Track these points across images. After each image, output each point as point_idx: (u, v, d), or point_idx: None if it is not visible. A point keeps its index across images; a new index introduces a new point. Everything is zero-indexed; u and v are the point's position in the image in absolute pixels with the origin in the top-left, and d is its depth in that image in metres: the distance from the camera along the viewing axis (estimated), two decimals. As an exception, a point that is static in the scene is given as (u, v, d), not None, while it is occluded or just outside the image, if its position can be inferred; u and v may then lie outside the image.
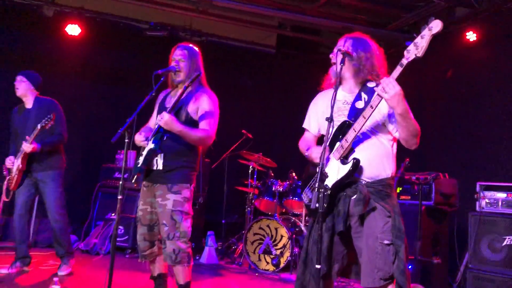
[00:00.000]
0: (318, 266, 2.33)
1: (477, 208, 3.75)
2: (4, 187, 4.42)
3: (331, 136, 2.60)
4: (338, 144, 2.56)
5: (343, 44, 2.69)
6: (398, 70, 2.34)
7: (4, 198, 4.43)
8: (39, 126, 4.00)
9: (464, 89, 5.63)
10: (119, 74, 6.92)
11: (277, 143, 7.38)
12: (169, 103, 3.34)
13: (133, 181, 3.29)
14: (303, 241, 2.74)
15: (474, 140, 5.35)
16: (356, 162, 2.48)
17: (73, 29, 6.54)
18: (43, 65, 6.61)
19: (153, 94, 3.10)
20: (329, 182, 2.53)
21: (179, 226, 3.17)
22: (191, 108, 3.28)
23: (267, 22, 7.30)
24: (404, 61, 2.32)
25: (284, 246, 5.25)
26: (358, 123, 2.45)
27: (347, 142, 2.49)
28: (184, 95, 3.29)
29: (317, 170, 2.34)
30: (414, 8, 6.30)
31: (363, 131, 2.55)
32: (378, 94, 2.36)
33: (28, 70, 4.47)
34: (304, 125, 2.92)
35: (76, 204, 6.77)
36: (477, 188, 3.79)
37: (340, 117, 2.62)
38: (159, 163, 3.23)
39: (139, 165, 3.26)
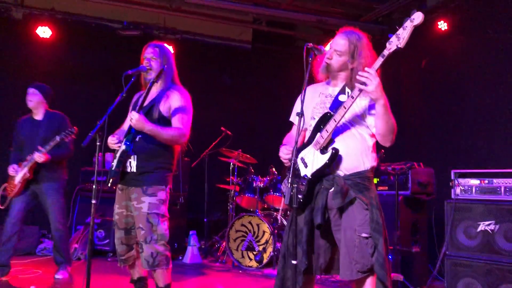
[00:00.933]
0: (294, 262, 2.33)
1: (453, 196, 3.79)
2: (0, 194, 4.49)
3: (312, 129, 2.63)
4: (318, 135, 2.57)
5: (348, 32, 2.67)
6: (379, 61, 2.38)
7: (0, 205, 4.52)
8: (58, 138, 4.14)
9: (438, 79, 5.69)
10: (94, 75, 6.81)
11: (256, 139, 7.38)
12: (147, 99, 3.29)
13: (109, 184, 3.25)
14: (284, 235, 2.73)
15: (449, 129, 5.42)
16: (335, 151, 2.49)
17: (44, 31, 6.42)
18: (14, 68, 6.50)
19: (124, 95, 3.05)
20: (308, 172, 2.55)
21: (156, 229, 3.13)
22: (163, 106, 3.23)
23: (242, 17, 7.27)
24: (386, 52, 2.37)
25: (267, 241, 5.26)
26: (339, 114, 2.46)
27: (327, 132, 2.51)
28: (155, 93, 3.26)
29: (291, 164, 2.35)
30: (387, -1, 6.35)
31: (344, 123, 2.56)
32: (358, 87, 2.38)
33: (40, 83, 4.57)
34: (291, 119, 2.89)
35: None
36: (452, 176, 3.83)
37: (323, 110, 2.64)
38: (132, 165, 3.19)
39: (113, 168, 3.22)
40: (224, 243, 5.68)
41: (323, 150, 2.53)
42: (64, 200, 4.55)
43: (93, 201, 2.87)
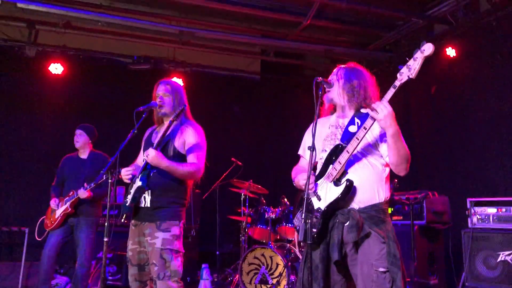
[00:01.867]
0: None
1: (469, 225, 3.73)
2: (37, 227, 4.69)
3: (324, 161, 2.61)
4: (331, 167, 2.55)
5: (336, 73, 2.73)
6: (391, 92, 2.40)
7: (36, 238, 4.72)
8: (104, 177, 4.17)
9: (449, 105, 5.67)
10: (105, 110, 6.89)
11: (267, 169, 7.36)
12: (155, 139, 3.31)
13: (122, 220, 3.24)
14: (299, 271, 2.68)
15: (462, 156, 5.37)
16: (350, 183, 2.46)
17: (56, 68, 6.56)
18: (28, 105, 6.62)
19: (135, 132, 3.08)
20: (322, 204, 2.52)
21: (169, 265, 3.10)
22: (177, 142, 3.25)
23: (250, 49, 7.38)
24: (397, 83, 2.39)
25: (281, 274, 5.17)
26: (351, 145, 2.45)
27: (340, 164, 2.49)
28: (170, 129, 3.28)
29: (304, 198, 2.32)
30: (394, 27, 6.41)
31: (356, 154, 2.54)
32: (370, 116, 2.39)
33: (86, 124, 4.79)
34: (299, 152, 2.91)
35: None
36: (468, 205, 3.77)
37: (334, 141, 2.63)
38: (147, 200, 3.18)
39: (127, 204, 3.21)
40: (237, 276, 5.59)
41: (336, 182, 2.51)
42: (95, 237, 4.63)
43: (105, 239, 2.85)
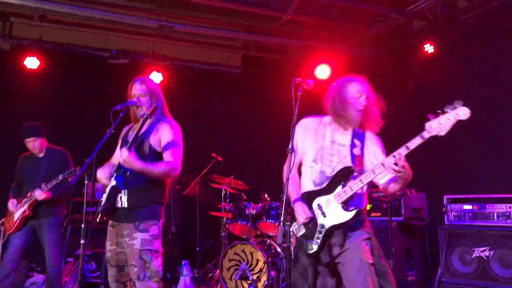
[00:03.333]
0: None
1: (446, 221, 3.79)
2: None
3: (328, 178, 2.70)
4: (340, 188, 2.63)
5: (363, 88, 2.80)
6: (417, 141, 2.47)
7: None
8: (61, 177, 4.16)
9: (426, 101, 5.73)
10: (83, 105, 6.78)
11: (248, 164, 7.34)
12: (131, 137, 3.27)
13: (97, 220, 3.20)
14: (286, 275, 2.78)
15: (440, 153, 5.43)
16: (358, 211, 2.58)
17: (31, 62, 6.38)
18: (2, 101, 6.44)
19: (112, 131, 3.03)
20: (327, 222, 2.64)
21: (149, 265, 3.08)
22: (153, 139, 3.20)
23: (231, 43, 7.31)
24: (426, 135, 2.44)
25: (261, 270, 5.19)
26: (367, 177, 2.56)
27: (352, 190, 2.59)
28: (145, 127, 3.24)
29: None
30: (373, 23, 6.43)
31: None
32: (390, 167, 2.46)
33: (31, 126, 4.51)
34: (288, 149, 2.88)
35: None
36: (444, 202, 3.83)
37: (333, 157, 2.74)
38: (123, 200, 3.14)
39: (102, 203, 3.16)
40: (217, 272, 5.60)
41: (345, 207, 2.62)
42: (60, 237, 4.54)
43: (82, 241, 2.81)
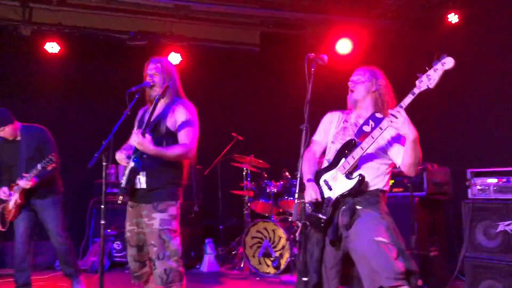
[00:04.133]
0: (304, 279, 2.32)
1: (469, 196, 3.70)
2: None
3: (335, 153, 2.76)
4: (343, 160, 2.68)
5: (362, 74, 2.86)
6: (409, 98, 2.51)
7: (0, 227, 4.39)
8: (39, 167, 4.01)
9: (451, 74, 5.53)
10: (104, 87, 6.84)
11: (268, 142, 7.31)
12: (153, 115, 3.27)
13: (119, 201, 3.25)
14: (298, 254, 2.78)
15: (463, 127, 5.29)
16: (362, 178, 2.60)
17: (52, 47, 6.48)
18: (25, 85, 6.57)
19: (128, 113, 3.04)
20: (332, 194, 2.67)
21: (168, 245, 3.11)
22: (169, 121, 3.21)
23: (248, 20, 7.22)
24: (416, 91, 2.50)
25: (283, 247, 5.22)
26: (366, 143, 2.58)
27: (354, 159, 2.62)
28: (159, 109, 3.24)
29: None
30: (396, -6, 6.22)
31: (368, 152, 2.66)
32: (388, 120, 2.49)
33: None
34: (314, 138, 3.01)
35: (72, 223, 6.73)
36: (468, 175, 3.73)
37: (345, 136, 2.80)
38: (142, 181, 3.17)
39: (122, 185, 3.20)
40: (241, 249, 5.66)
41: (348, 176, 2.65)
42: (63, 213, 4.44)
43: (102, 222, 2.85)
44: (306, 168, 2.84)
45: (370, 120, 2.75)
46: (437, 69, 2.44)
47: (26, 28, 6.46)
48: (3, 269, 5.50)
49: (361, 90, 2.82)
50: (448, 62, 2.43)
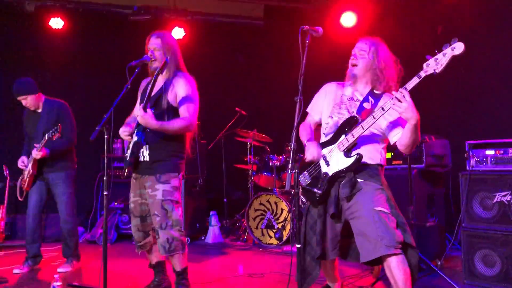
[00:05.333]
0: (298, 245, 2.41)
1: (467, 167, 3.73)
2: (18, 187, 4.56)
3: (334, 129, 2.77)
4: (343, 137, 2.69)
5: (364, 49, 2.78)
6: (414, 81, 2.47)
7: (18, 197, 4.58)
8: (46, 137, 4.09)
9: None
10: (108, 63, 6.87)
11: (271, 117, 7.34)
12: (153, 90, 3.32)
13: (125, 174, 3.36)
14: (301, 226, 2.85)
15: (462, 99, 5.28)
16: (359, 157, 2.63)
17: (56, 23, 6.53)
18: (30, 61, 6.63)
19: (128, 87, 3.08)
20: (330, 170, 2.71)
21: (170, 215, 3.22)
22: (170, 95, 3.27)
23: (252, -7, 7.17)
24: (422, 74, 2.46)
25: (285, 219, 5.33)
26: (367, 122, 2.58)
27: (353, 137, 2.64)
28: (162, 82, 3.30)
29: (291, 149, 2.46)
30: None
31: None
32: (392, 102, 2.47)
33: (20, 83, 4.32)
34: (308, 109, 3.03)
35: (81, 196, 6.85)
36: (466, 147, 3.76)
37: (344, 111, 2.79)
38: (145, 154, 3.27)
39: (127, 159, 3.30)
40: (245, 222, 5.78)
41: (347, 153, 2.67)
42: (73, 191, 4.46)
43: (105, 193, 2.95)
44: (304, 133, 2.89)
45: (369, 97, 2.76)
46: (446, 53, 2.40)
47: (30, 4, 6.49)
48: (15, 241, 5.68)
49: (362, 65, 2.77)
50: (458, 47, 2.38)
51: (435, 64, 2.41)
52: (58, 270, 4.33)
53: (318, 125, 3.02)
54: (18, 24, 6.61)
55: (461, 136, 4.17)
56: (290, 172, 2.36)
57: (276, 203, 5.43)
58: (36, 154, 4.18)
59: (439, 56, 2.40)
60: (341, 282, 3.21)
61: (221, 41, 7.46)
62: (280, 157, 5.72)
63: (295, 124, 2.42)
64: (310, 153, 2.72)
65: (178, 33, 6.79)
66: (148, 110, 3.09)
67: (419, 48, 6.20)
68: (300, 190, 2.87)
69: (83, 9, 6.77)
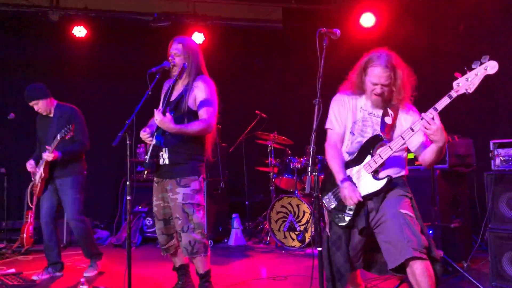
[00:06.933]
0: (319, 249, 2.40)
1: (492, 167, 3.66)
2: (28, 193, 4.58)
3: (358, 148, 2.68)
4: (369, 157, 2.62)
5: (390, 74, 2.60)
6: (445, 101, 2.40)
7: (29, 204, 4.58)
8: (59, 137, 4.09)
9: (477, 46, 5.40)
10: (130, 69, 7.01)
11: (291, 119, 7.36)
12: (173, 95, 3.38)
13: (144, 176, 3.43)
14: (323, 241, 2.79)
15: (486, 98, 5.17)
16: (390, 179, 2.56)
17: (79, 31, 6.69)
18: (54, 69, 6.80)
19: (149, 93, 3.13)
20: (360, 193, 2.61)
21: (191, 218, 3.25)
22: (190, 99, 3.30)
23: (270, -4, 7.20)
24: (453, 94, 2.38)
25: (308, 221, 5.31)
26: (396, 143, 2.52)
27: (382, 158, 2.56)
28: (182, 86, 3.34)
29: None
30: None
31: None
32: (421, 128, 2.41)
33: (32, 89, 4.36)
34: (327, 126, 2.85)
35: (106, 200, 7.04)
36: (491, 147, 3.69)
37: (367, 128, 2.70)
38: (164, 157, 3.31)
39: (146, 161, 3.35)
40: (267, 224, 5.78)
41: (375, 176, 2.60)
42: (81, 196, 4.40)
43: (128, 198, 3.00)
44: (336, 167, 2.69)
45: (389, 110, 2.67)
46: (477, 73, 2.31)
47: (54, 13, 6.66)
48: (41, 245, 5.78)
49: (387, 92, 2.65)
50: (492, 67, 2.28)
51: (467, 83, 2.33)
52: (84, 274, 4.37)
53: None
54: (43, 33, 6.80)
55: (485, 135, 4.09)
56: (310, 174, 2.35)
57: (298, 206, 5.42)
58: (48, 155, 4.14)
59: (471, 75, 2.32)
60: (365, 285, 3.18)
61: (240, 45, 7.51)
62: (301, 159, 5.71)
63: (314, 126, 2.41)
64: (349, 198, 2.56)
65: (197, 38, 6.87)
66: (167, 114, 3.13)
67: (439, 47, 6.15)
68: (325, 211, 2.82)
69: (105, 17, 6.92)
